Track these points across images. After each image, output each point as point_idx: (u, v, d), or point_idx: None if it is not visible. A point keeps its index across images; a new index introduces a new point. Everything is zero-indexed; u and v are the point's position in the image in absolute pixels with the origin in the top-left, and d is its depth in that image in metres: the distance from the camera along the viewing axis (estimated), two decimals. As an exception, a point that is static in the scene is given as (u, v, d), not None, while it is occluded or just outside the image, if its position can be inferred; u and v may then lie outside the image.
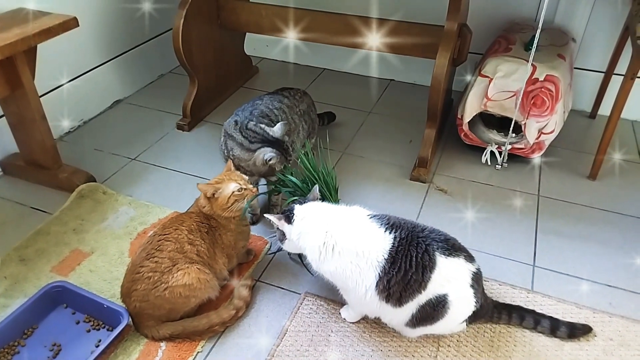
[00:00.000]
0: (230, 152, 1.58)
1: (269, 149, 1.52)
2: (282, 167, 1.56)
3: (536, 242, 1.62)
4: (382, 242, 1.17)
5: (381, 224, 1.20)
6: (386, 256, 1.15)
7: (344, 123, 2.24)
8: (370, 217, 1.23)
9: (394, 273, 1.14)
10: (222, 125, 1.64)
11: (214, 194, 1.34)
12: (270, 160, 1.50)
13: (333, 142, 2.07)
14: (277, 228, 1.29)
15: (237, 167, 1.60)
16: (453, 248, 1.18)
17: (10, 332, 1.29)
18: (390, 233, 1.18)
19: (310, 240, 1.22)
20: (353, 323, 1.36)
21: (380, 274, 1.15)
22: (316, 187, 1.36)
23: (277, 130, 1.57)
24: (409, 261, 1.14)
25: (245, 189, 1.35)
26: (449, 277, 1.15)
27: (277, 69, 2.75)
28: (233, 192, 1.33)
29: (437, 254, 1.15)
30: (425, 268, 1.14)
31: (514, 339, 1.30)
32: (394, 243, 1.16)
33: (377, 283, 1.16)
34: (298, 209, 1.26)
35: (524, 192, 1.84)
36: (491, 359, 1.26)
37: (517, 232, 1.66)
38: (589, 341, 1.30)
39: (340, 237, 1.20)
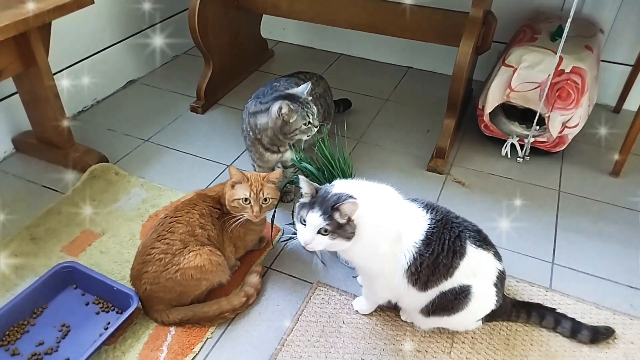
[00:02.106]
0: (255, 128, 1.55)
1: (280, 100, 1.48)
2: (302, 121, 1.48)
3: (556, 239, 1.57)
4: (421, 223, 1.14)
5: (419, 205, 1.18)
6: (423, 237, 1.12)
7: (360, 110, 2.19)
8: (407, 199, 1.20)
9: (427, 255, 1.11)
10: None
11: (233, 185, 1.31)
12: (281, 109, 1.46)
13: (348, 130, 2.03)
14: (339, 224, 1.07)
15: (259, 140, 1.56)
16: (484, 241, 1.16)
17: (20, 310, 1.28)
18: (427, 213, 1.15)
19: (367, 220, 1.10)
20: (366, 315, 1.33)
21: (415, 255, 1.11)
22: (302, 178, 1.18)
23: (300, 88, 1.54)
24: (442, 244, 1.12)
25: (249, 201, 1.29)
26: (475, 270, 1.13)
27: (293, 53, 2.70)
28: (239, 198, 1.29)
29: (468, 242, 1.13)
30: (455, 254, 1.12)
31: (530, 338, 1.27)
32: (430, 224, 1.13)
33: (409, 266, 1.12)
34: (337, 186, 1.15)
35: (544, 187, 1.78)
36: (506, 358, 1.23)
37: (536, 228, 1.61)
38: (609, 344, 1.26)
39: (388, 216, 1.13)
